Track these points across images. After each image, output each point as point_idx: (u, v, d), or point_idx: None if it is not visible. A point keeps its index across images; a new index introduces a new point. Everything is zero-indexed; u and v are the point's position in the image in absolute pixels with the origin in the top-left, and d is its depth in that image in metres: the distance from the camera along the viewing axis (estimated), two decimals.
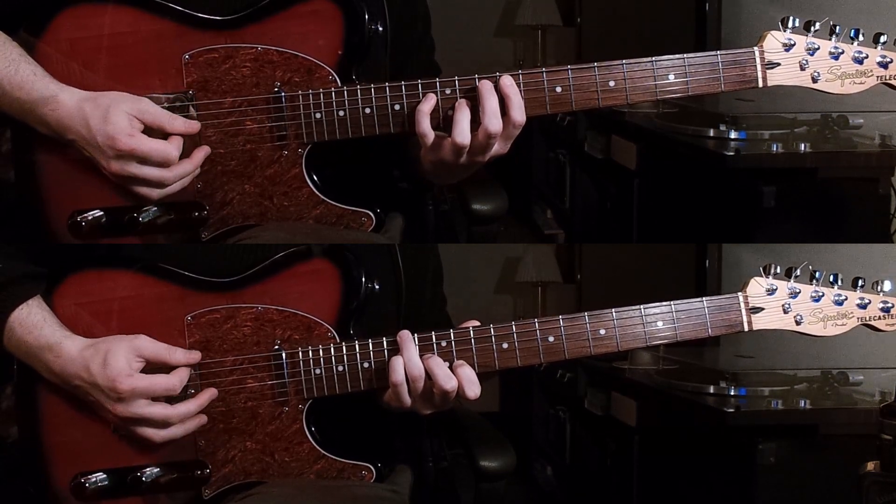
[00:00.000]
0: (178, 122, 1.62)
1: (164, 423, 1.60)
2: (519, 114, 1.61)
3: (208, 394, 1.62)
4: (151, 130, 1.61)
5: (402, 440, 1.77)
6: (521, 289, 4.28)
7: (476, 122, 1.61)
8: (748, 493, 2.52)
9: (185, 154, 1.63)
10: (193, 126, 1.64)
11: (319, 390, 1.63)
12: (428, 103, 1.62)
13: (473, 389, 1.59)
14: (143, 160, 1.60)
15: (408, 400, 1.60)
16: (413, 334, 1.60)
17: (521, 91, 1.61)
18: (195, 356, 1.62)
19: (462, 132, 1.60)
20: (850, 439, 2.43)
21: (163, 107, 1.63)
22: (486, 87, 1.60)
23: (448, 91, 1.62)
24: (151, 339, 1.60)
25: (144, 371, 1.59)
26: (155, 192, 1.63)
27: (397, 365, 1.58)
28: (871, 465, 1.86)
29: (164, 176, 1.62)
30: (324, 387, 1.63)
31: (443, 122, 1.63)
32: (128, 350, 1.58)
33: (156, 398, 1.59)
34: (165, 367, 1.60)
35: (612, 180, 3.24)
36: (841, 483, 2.27)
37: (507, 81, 1.61)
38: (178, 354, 1.61)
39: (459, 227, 2.15)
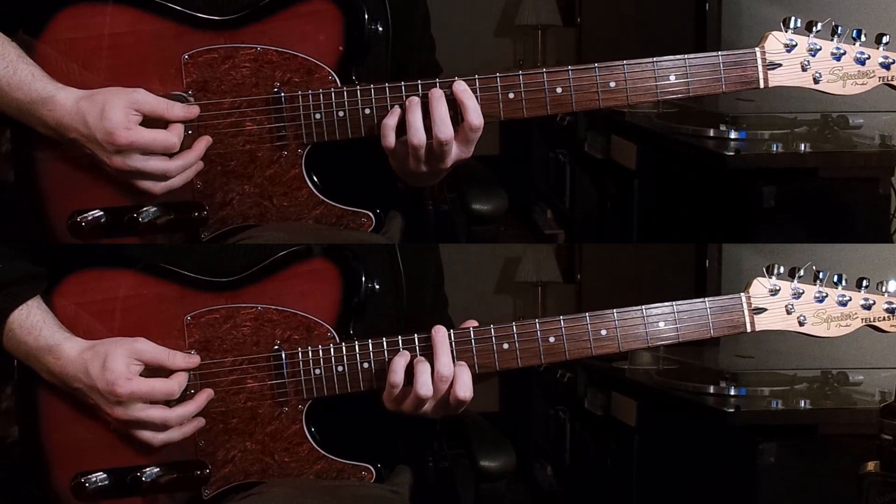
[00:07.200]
0: (176, 109, 1.62)
1: (162, 426, 1.60)
2: (475, 118, 1.60)
3: (205, 395, 1.62)
4: (151, 121, 1.60)
5: (408, 441, 1.76)
6: (521, 289, 4.28)
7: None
8: (748, 493, 2.52)
9: (186, 147, 1.63)
10: (193, 111, 1.63)
11: (319, 391, 1.62)
12: (394, 117, 1.62)
13: (465, 392, 1.59)
14: (144, 152, 1.60)
15: (410, 403, 1.59)
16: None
17: (477, 95, 1.60)
18: (195, 360, 1.61)
19: (417, 132, 1.60)
20: (850, 439, 2.43)
21: None
22: (434, 94, 1.60)
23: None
24: (151, 342, 1.60)
25: (143, 374, 1.59)
26: (158, 186, 1.63)
27: (397, 367, 1.58)
28: (871, 465, 1.86)
29: (166, 167, 1.61)
30: (323, 387, 1.62)
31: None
32: (127, 353, 1.57)
33: (154, 402, 1.59)
34: (164, 370, 1.60)
35: (612, 180, 3.24)
36: (841, 483, 2.27)
37: (459, 87, 1.61)
38: (177, 359, 1.60)
39: (459, 227, 2.15)
